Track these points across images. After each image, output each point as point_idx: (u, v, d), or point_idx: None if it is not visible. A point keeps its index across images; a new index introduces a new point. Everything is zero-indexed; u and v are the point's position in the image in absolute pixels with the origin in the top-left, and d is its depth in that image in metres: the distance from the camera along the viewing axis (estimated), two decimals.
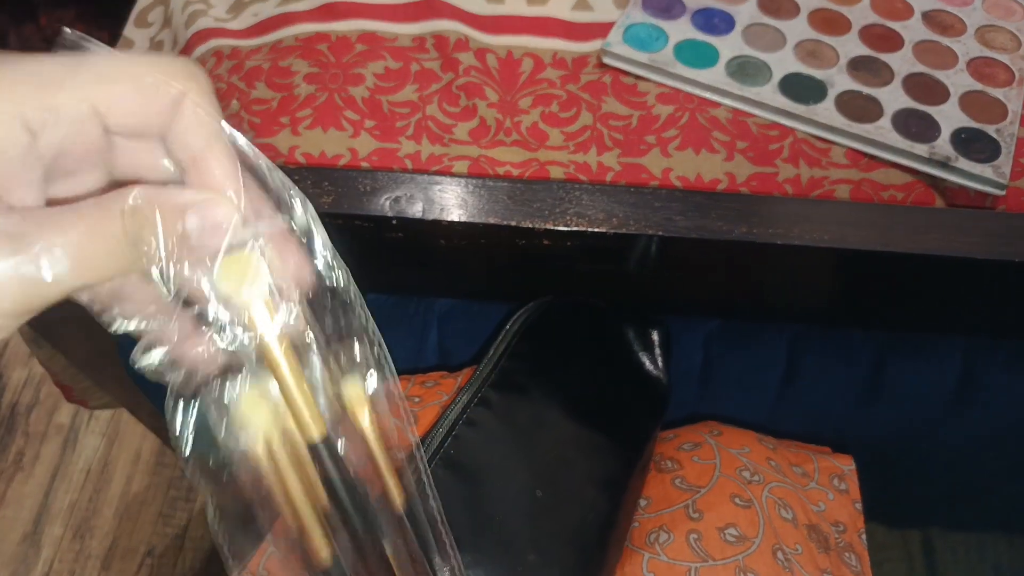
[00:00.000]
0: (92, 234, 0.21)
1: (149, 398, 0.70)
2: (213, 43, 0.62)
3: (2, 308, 0.20)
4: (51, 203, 0.23)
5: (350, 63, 0.57)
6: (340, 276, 0.27)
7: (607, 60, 0.56)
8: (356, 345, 0.28)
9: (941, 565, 0.96)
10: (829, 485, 0.53)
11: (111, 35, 0.74)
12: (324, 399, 0.27)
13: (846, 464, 0.55)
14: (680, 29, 0.57)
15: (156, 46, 0.68)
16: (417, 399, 0.51)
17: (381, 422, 0.28)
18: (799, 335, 0.57)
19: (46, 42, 1.12)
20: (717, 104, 0.55)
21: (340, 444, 0.27)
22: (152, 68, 0.23)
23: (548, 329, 0.53)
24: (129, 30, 0.70)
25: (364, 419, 0.28)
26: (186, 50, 0.63)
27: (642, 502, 0.50)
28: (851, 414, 0.60)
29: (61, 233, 0.21)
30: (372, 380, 0.28)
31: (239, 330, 0.25)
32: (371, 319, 0.28)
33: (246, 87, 0.58)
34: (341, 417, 0.27)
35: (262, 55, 0.59)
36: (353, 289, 0.27)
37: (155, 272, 0.23)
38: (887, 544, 0.96)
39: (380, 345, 0.28)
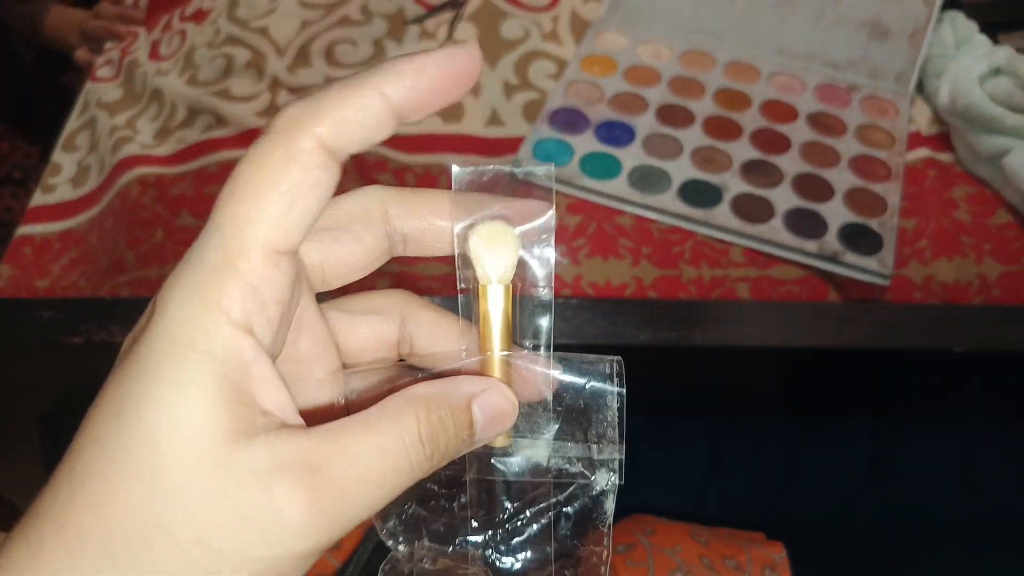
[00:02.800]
0: (383, 452, 0.20)
1: None
2: (139, 171, 0.64)
3: (303, 548, 0.19)
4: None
5: None
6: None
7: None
8: None
9: None
10: None
11: (41, 153, 0.76)
12: None
13: (777, 553, 0.57)
14: (585, 143, 0.61)
15: (83, 170, 0.69)
16: None
17: None
18: (717, 425, 0.60)
19: None
20: (622, 212, 0.58)
21: None
22: None
23: None
24: (58, 154, 0.71)
25: None
26: (111, 176, 0.65)
27: None
28: (775, 497, 0.62)
29: (354, 458, 0.20)
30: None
31: None
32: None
33: (171, 216, 0.60)
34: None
35: (187, 183, 0.61)
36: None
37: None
38: None
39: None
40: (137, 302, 0.52)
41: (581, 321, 0.51)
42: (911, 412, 0.60)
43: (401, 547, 0.27)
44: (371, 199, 0.24)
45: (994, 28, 0.66)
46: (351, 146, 0.21)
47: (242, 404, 0.19)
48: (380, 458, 0.20)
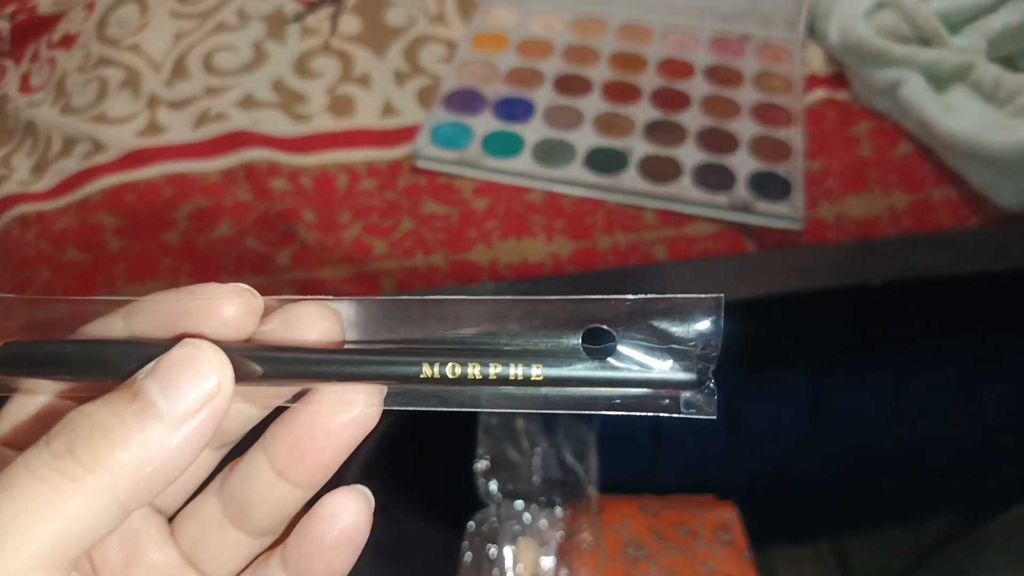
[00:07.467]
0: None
1: None
2: (17, 210, 0.59)
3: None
4: None
5: (161, 209, 0.56)
6: None
7: (419, 163, 0.58)
8: None
9: (859, 567, 0.99)
10: (715, 540, 0.54)
11: None
12: None
13: (727, 512, 0.57)
14: (484, 123, 0.59)
15: None
16: None
17: None
18: None
19: None
20: (530, 189, 0.56)
21: None
22: None
23: None
24: None
25: None
26: None
27: None
28: (720, 456, 0.62)
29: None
30: None
31: None
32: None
33: (56, 252, 0.56)
34: None
35: (69, 216, 0.57)
36: None
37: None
38: (801, 559, 0.99)
39: None
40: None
41: (500, 306, 0.49)
42: (843, 355, 0.60)
43: None
44: None
45: None
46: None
47: None
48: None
